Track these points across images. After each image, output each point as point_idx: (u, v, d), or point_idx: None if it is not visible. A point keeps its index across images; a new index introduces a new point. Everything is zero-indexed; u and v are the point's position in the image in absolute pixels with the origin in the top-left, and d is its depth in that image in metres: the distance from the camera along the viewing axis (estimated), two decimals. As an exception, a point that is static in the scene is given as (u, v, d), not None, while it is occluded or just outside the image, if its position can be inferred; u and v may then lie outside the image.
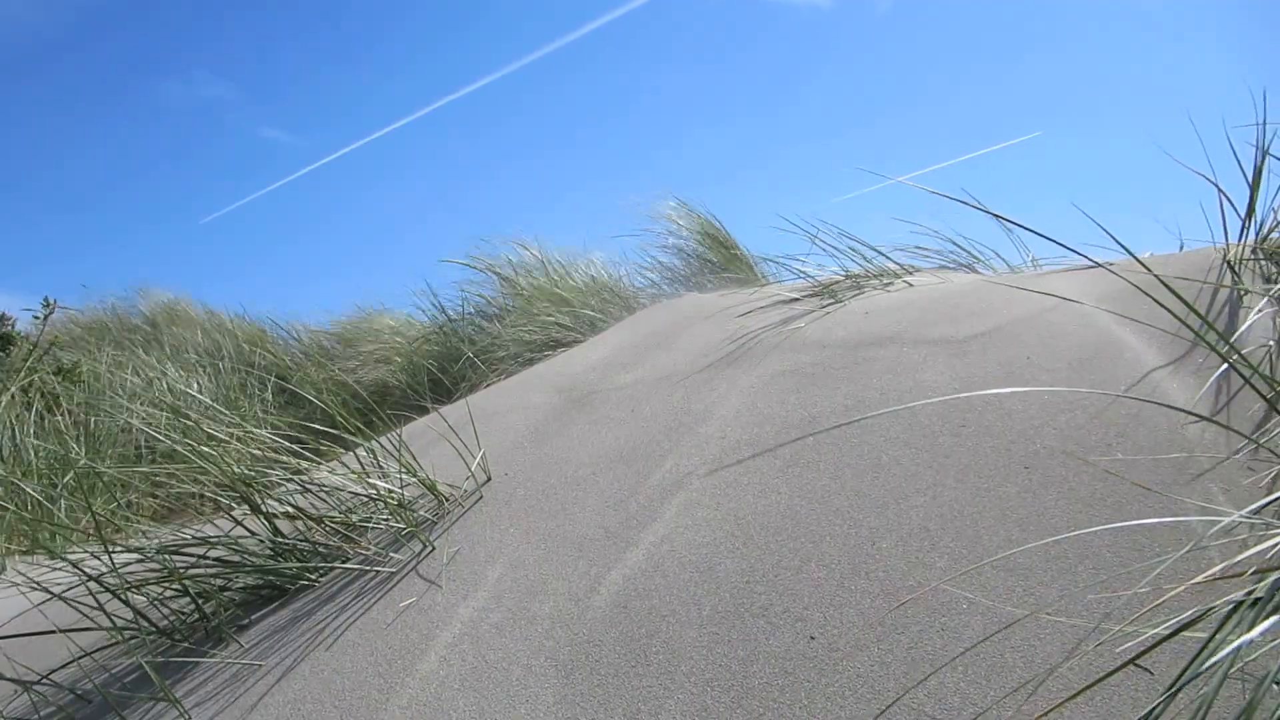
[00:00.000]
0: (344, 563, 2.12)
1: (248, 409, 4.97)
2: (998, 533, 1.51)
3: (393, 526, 2.22)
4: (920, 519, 1.61)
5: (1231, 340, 1.78)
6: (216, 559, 2.12)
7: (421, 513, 2.28)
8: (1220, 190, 2.34)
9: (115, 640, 2.00)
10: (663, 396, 2.63)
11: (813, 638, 1.40)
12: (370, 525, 2.25)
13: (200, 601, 2.03)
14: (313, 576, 2.11)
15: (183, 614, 2.06)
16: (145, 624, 2.01)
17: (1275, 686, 1.00)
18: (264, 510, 2.17)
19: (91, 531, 3.23)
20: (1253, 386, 1.52)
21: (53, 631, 1.97)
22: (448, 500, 2.32)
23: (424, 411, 3.60)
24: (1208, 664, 0.95)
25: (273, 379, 5.48)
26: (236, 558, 2.13)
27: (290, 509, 2.20)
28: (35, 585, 2.08)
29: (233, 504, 2.33)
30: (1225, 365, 1.77)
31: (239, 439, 2.53)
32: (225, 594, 2.10)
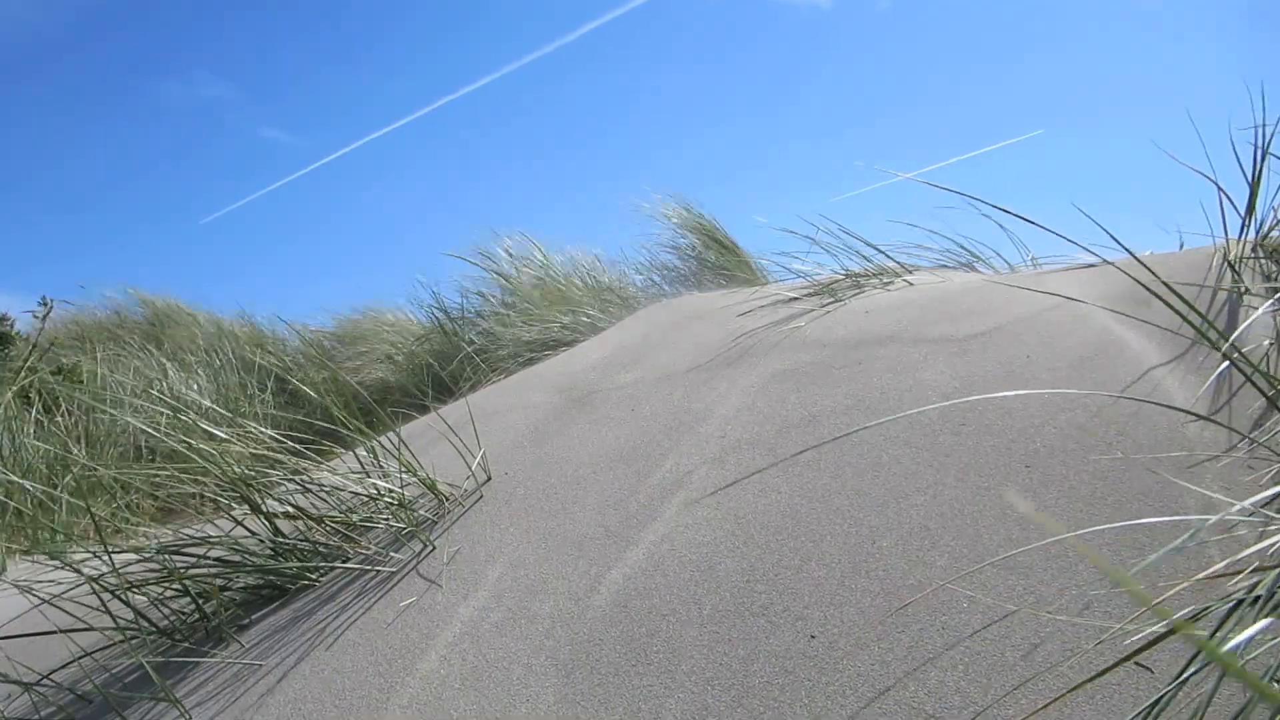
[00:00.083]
0: (344, 562, 2.12)
1: (247, 409, 4.97)
2: (998, 531, 1.51)
3: (393, 526, 2.22)
4: (921, 518, 1.61)
5: (1231, 338, 1.78)
6: (217, 559, 2.13)
7: (422, 512, 2.28)
8: (1220, 189, 2.34)
9: (116, 640, 2.00)
10: (663, 396, 2.63)
11: (813, 636, 1.40)
12: (371, 525, 2.25)
13: (200, 601, 2.03)
14: (313, 576, 2.12)
15: (183, 614, 2.06)
16: (146, 624, 2.01)
17: (1276, 685, 1.00)
18: (264, 510, 2.17)
19: (92, 533, 3.23)
20: (1253, 384, 1.52)
21: (53, 632, 1.97)
22: (448, 500, 2.32)
23: (424, 411, 3.60)
24: (1207, 661, 0.95)
25: (272, 379, 5.48)
26: (237, 557, 2.13)
27: (291, 509, 2.20)
28: (36, 585, 2.08)
29: (233, 504, 2.33)
30: (1225, 363, 1.77)
31: (239, 438, 2.53)
32: (226, 594, 2.11)
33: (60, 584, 2.13)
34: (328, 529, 2.19)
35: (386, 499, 2.25)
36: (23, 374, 4.80)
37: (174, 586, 2.05)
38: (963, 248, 3.65)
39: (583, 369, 3.26)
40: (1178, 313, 1.47)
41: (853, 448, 1.92)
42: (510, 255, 5.66)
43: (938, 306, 2.65)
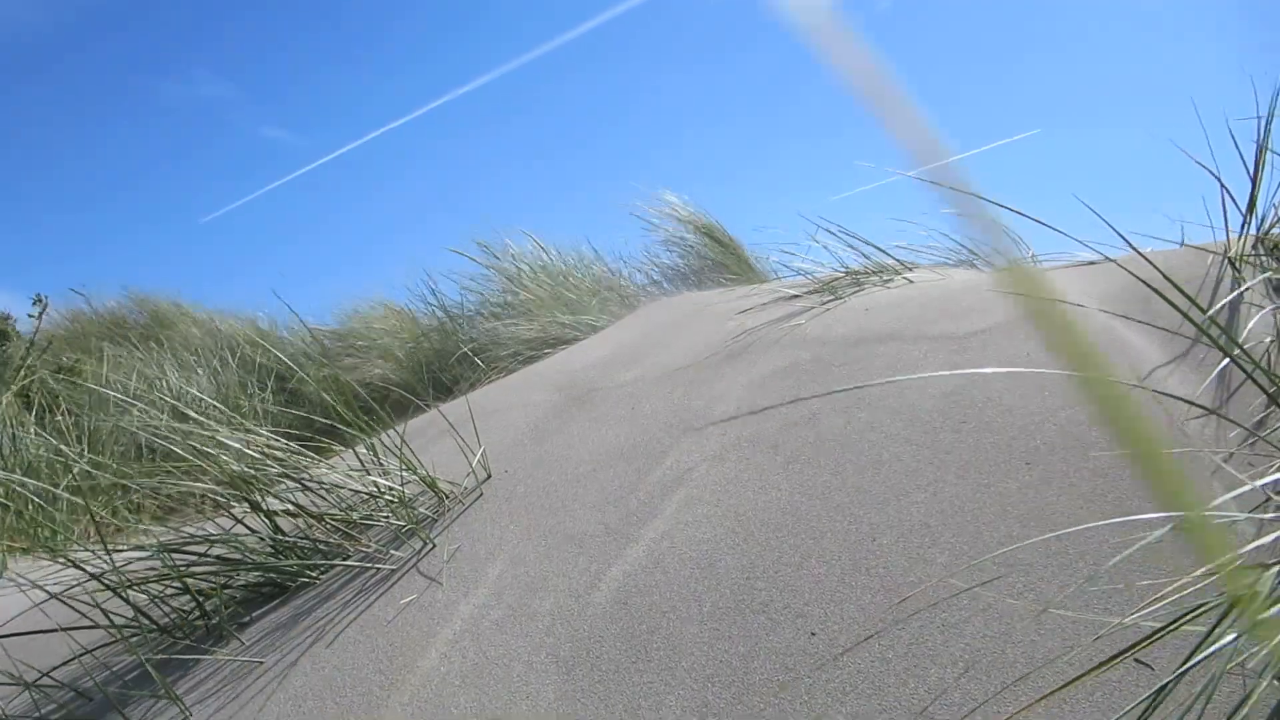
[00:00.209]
0: (344, 560, 2.12)
1: (248, 407, 4.97)
2: (998, 528, 1.51)
3: (393, 524, 2.22)
4: (921, 515, 1.60)
5: (1232, 335, 1.78)
6: (217, 557, 2.13)
7: (422, 510, 2.28)
8: (1221, 183, 2.34)
9: (116, 638, 2.00)
10: (663, 393, 2.62)
11: (813, 634, 1.40)
12: (371, 522, 2.25)
13: (201, 599, 2.03)
14: (313, 574, 2.11)
15: (183, 612, 2.06)
16: (146, 622, 2.01)
17: (1276, 682, 1.00)
18: (264, 508, 2.17)
19: (92, 531, 3.23)
20: (1254, 381, 1.52)
21: (54, 630, 1.97)
22: (448, 497, 2.32)
23: (424, 409, 3.60)
24: (1204, 654, 0.95)
25: (272, 378, 5.48)
26: (237, 555, 2.13)
27: (291, 506, 2.20)
28: (37, 583, 2.08)
29: (233, 502, 2.33)
30: (1226, 360, 1.76)
31: (239, 436, 2.53)
32: (226, 592, 2.11)
33: (61, 582, 2.13)
34: (328, 527, 2.19)
35: (387, 497, 2.25)
36: (22, 373, 4.80)
37: (174, 584, 2.05)
38: (963, 245, 3.65)
39: (583, 367, 3.26)
40: (1179, 310, 1.47)
41: (853, 445, 1.92)
42: (511, 253, 5.65)
43: (938, 304, 2.65)
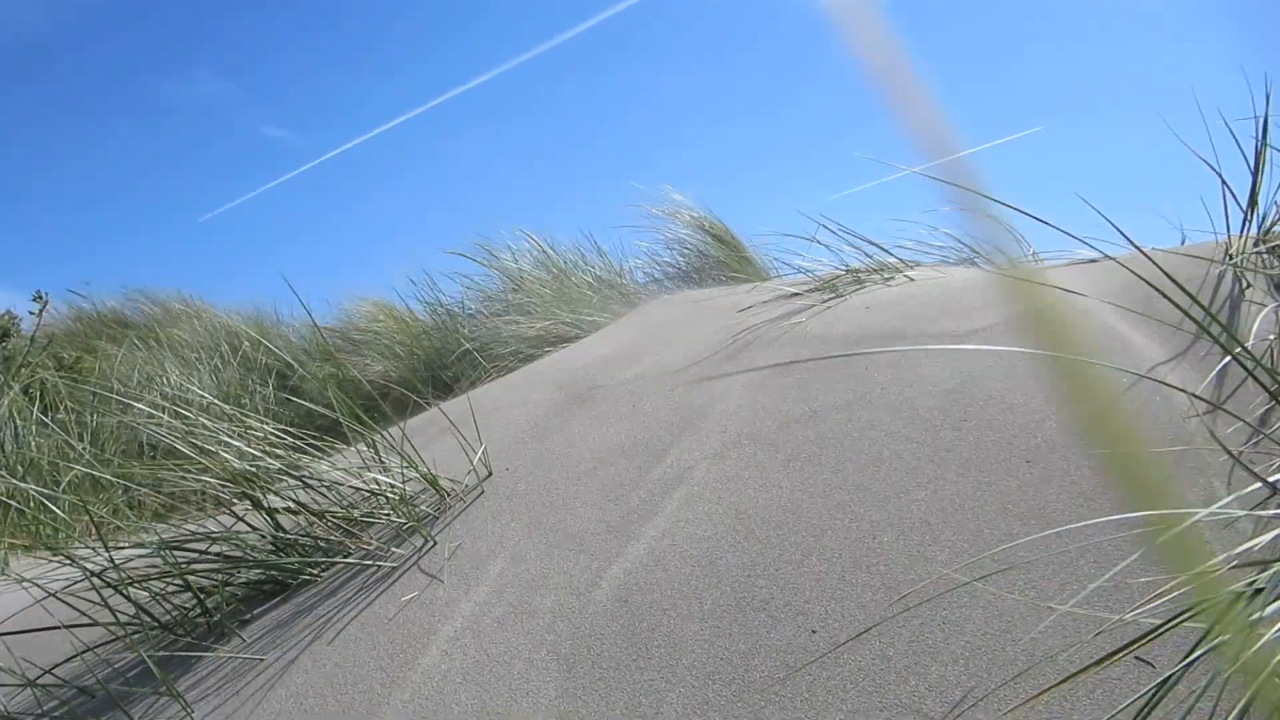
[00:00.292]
0: (346, 557, 2.12)
1: (249, 405, 4.97)
2: (999, 526, 1.51)
3: (394, 521, 2.22)
4: (921, 513, 1.61)
5: (1234, 333, 1.77)
6: (218, 554, 2.13)
7: (423, 508, 2.28)
8: (1222, 179, 2.33)
9: (118, 635, 2.00)
10: (664, 391, 2.63)
11: (814, 631, 1.40)
12: (372, 520, 2.25)
13: (202, 597, 2.03)
14: (314, 571, 2.12)
15: (185, 609, 2.06)
16: (147, 619, 2.01)
17: (1276, 680, 1.00)
18: (265, 505, 2.17)
19: (92, 530, 3.24)
20: (1255, 379, 1.52)
21: (55, 627, 1.97)
22: (449, 495, 2.32)
23: (425, 407, 3.60)
24: (1204, 650, 0.95)
25: (273, 375, 5.48)
26: (238, 553, 2.14)
27: (292, 504, 2.20)
28: (38, 580, 2.08)
29: (234, 499, 2.33)
30: (1227, 358, 1.76)
31: (240, 434, 2.53)
32: (227, 589, 2.11)
33: (62, 579, 2.13)
34: (329, 524, 2.20)
35: (388, 494, 2.25)
36: (23, 370, 4.81)
37: (176, 582, 2.05)
38: (963, 243, 3.65)
39: (584, 365, 3.26)
40: (1180, 308, 1.46)
41: (854, 443, 1.92)
42: (511, 252, 5.65)
43: (939, 302, 2.65)
